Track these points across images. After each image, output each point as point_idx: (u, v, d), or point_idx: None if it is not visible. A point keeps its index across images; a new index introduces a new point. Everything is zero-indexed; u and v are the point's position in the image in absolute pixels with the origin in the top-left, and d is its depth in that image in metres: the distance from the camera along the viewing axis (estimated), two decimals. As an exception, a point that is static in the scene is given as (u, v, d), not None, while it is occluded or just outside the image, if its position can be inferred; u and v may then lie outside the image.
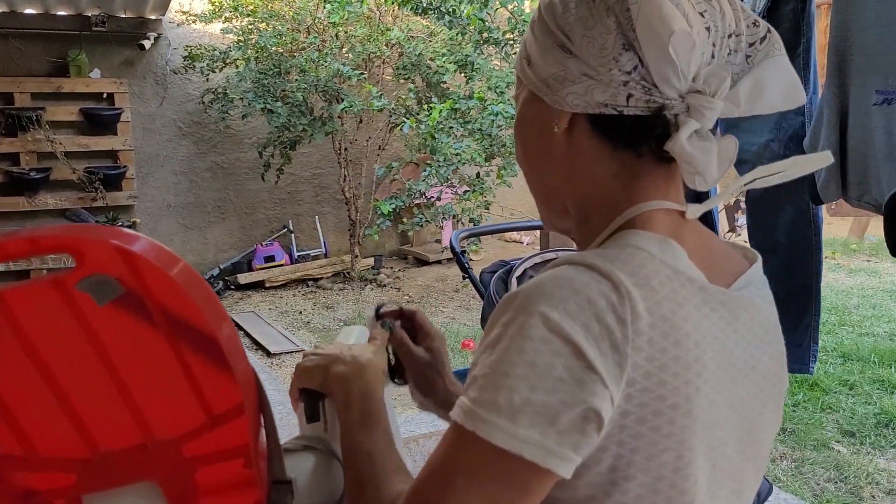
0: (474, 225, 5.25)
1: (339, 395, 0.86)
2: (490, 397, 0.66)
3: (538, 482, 0.66)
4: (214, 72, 6.17)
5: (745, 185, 0.78)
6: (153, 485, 0.70)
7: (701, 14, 0.72)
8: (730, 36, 0.75)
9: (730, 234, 6.44)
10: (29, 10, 5.73)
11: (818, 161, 0.78)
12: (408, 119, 5.31)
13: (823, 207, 2.39)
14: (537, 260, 2.64)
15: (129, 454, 0.71)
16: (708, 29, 0.72)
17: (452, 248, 2.85)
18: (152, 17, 6.14)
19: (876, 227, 7.43)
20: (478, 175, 5.44)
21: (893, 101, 1.97)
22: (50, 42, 5.97)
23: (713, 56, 0.74)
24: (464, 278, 2.82)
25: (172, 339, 0.64)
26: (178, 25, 6.39)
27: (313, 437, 0.86)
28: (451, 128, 5.22)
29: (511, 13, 5.19)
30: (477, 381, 0.68)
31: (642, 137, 0.75)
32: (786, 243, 2.45)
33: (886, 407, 3.36)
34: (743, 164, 2.42)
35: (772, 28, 0.79)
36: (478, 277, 2.81)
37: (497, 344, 0.68)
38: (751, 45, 0.76)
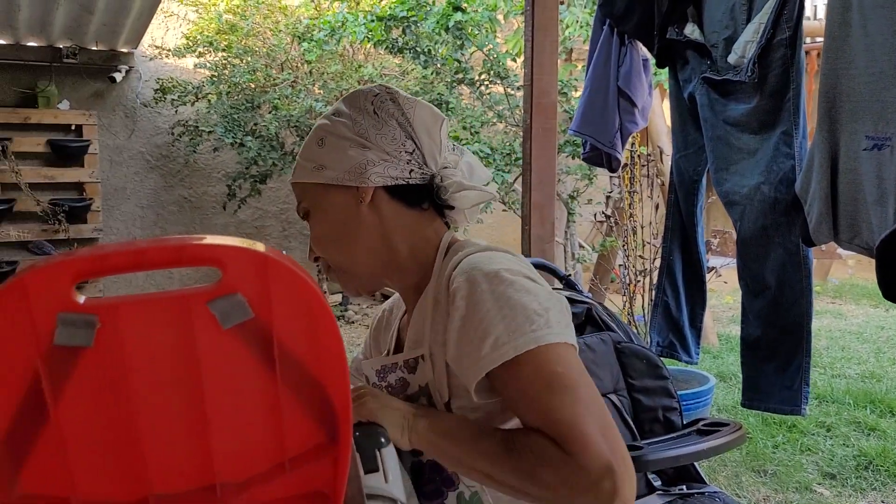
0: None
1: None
2: (527, 321, 0.91)
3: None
4: (185, 104, 6.11)
5: (478, 206, 1.16)
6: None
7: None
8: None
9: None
10: (-1, 41, 5.63)
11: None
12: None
13: (812, 250, 2.42)
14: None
15: (190, 498, 0.66)
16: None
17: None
18: (124, 49, 6.07)
19: (837, 269, 7.61)
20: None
21: (883, 147, 2.01)
22: (19, 72, 5.85)
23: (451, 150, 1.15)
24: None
25: (279, 377, 0.58)
26: (150, 59, 6.33)
27: (375, 487, 0.81)
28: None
29: (486, 55, 5.25)
30: (507, 321, 0.91)
31: (423, 196, 1.10)
32: (775, 285, 2.45)
33: (865, 449, 3.38)
34: (734, 206, 2.45)
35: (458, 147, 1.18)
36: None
37: (478, 307, 0.94)
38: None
